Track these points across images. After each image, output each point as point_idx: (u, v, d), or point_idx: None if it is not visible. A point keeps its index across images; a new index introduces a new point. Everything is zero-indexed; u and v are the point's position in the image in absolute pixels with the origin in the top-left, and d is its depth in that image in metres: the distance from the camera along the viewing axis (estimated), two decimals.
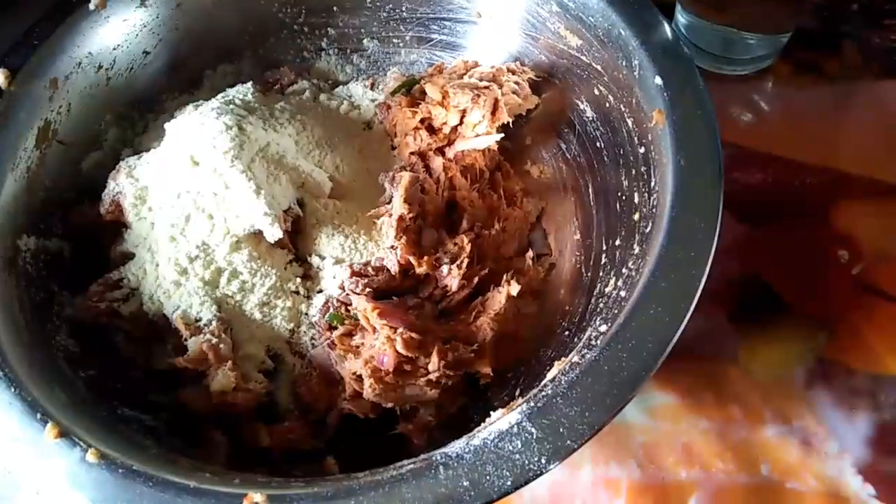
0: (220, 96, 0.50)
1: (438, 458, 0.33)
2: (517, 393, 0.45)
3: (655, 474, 0.48)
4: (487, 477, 0.32)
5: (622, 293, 0.40)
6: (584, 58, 0.51)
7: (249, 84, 0.53)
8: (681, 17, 0.63)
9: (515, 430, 0.33)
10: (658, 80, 0.45)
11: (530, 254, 0.52)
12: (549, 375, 0.37)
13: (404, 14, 0.59)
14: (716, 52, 0.63)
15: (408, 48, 0.61)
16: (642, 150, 0.45)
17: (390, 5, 0.59)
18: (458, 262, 0.49)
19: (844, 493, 0.47)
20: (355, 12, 0.60)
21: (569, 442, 0.33)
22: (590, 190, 0.52)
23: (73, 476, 0.34)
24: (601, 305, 0.42)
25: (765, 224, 0.57)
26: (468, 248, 0.49)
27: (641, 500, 0.47)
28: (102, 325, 0.45)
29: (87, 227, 0.50)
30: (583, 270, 0.50)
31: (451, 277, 0.48)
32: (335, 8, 0.60)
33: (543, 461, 0.33)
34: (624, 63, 0.47)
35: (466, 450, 0.33)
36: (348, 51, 0.61)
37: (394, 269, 0.48)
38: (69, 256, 0.49)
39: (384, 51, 0.61)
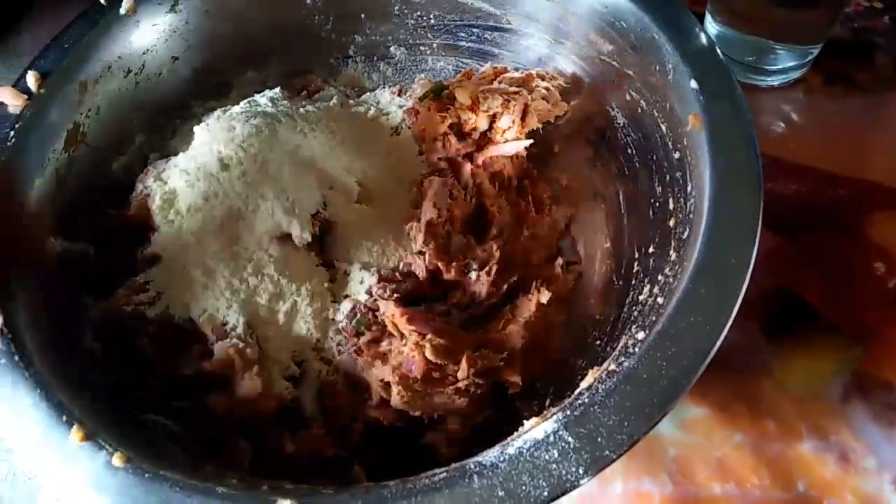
0: (248, 100, 0.50)
1: (472, 466, 0.32)
2: (547, 403, 0.44)
3: (688, 489, 0.47)
4: (523, 487, 0.31)
5: (659, 300, 0.39)
6: (615, 63, 0.50)
7: (278, 89, 0.52)
8: (711, 28, 0.62)
9: (552, 439, 0.32)
10: (694, 84, 0.44)
11: (559, 261, 0.51)
12: (584, 384, 0.36)
13: (432, 21, 0.59)
14: (746, 62, 0.62)
15: (435, 55, 0.60)
16: (677, 154, 0.44)
17: (418, 13, 0.59)
18: (486, 269, 0.48)
19: None
20: (383, 20, 0.60)
21: (607, 452, 0.32)
22: (620, 197, 0.51)
23: (97, 480, 0.33)
24: (636, 313, 0.41)
25: (798, 236, 0.56)
26: (497, 254, 0.48)
27: None
28: (127, 328, 0.44)
29: (114, 231, 0.49)
30: (614, 278, 0.49)
31: (480, 284, 0.48)
32: (363, 15, 0.60)
33: (581, 471, 0.31)
34: (657, 67, 0.47)
35: (501, 458, 0.32)
36: (375, 58, 0.61)
37: (422, 274, 0.47)
38: (95, 260, 0.49)
39: (411, 58, 0.61)
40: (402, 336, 0.45)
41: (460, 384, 0.43)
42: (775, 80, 0.63)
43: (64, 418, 0.35)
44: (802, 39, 0.60)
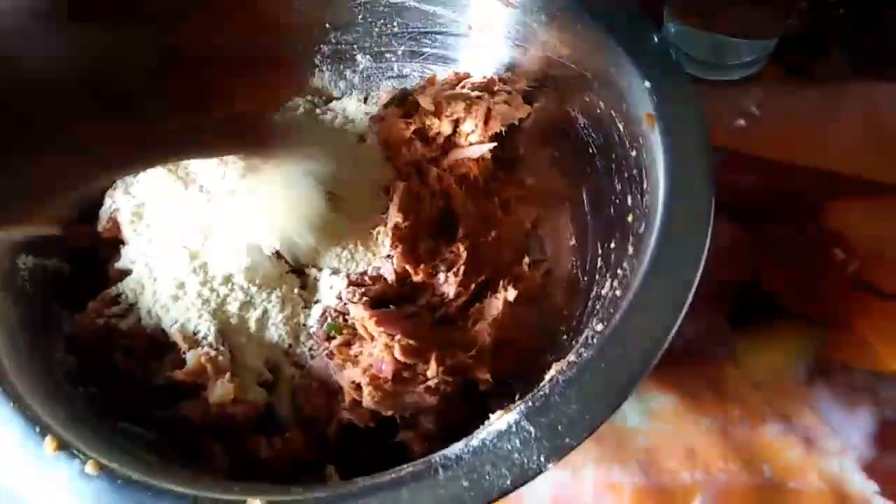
0: None
1: (438, 459, 0.33)
2: (517, 398, 0.45)
3: (658, 477, 0.48)
4: (487, 476, 0.32)
5: (617, 293, 0.40)
6: (574, 66, 0.52)
7: None
8: (669, 26, 0.64)
9: (514, 429, 0.33)
10: (647, 84, 0.45)
11: (527, 260, 0.52)
12: (548, 376, 0.37)
13: (396, 29, 0.60)
14: (705, 59, 0.64)
15: (400, 62, 0.61)
16: (634, 153, 0.46)
17: (382, 21, 0.60)
18: (454, 270, 0.49)
19: (847, 490, 0.47)
20: (348, 28, 0.61)
21: (567, 440, 0.33)
22: (584, 195, 0.52)
23: (72, 489, 0.34)
24: (598, 307, 0.43)
25: (759, 226, 0.58)
26: (464, 255, 0.49)
27: (645, 503, 0.47)
28: (101, 340, 0.45)
29: (86, 246, 0.50)
30: (579, 275, 0.50)
31: (448, 285, 0.49)
32: (328, 24, 0.60)
33: (542, 459, 0.32)
34: (613, 69, 0.48)
35: (465, 451, 0.33)
36: (342, 67, 0.62)
37: (391, 277, 0.48)
38: (68, 274, 0.49)
39: (377, 66, 0.62)
40: (372, 338, 0.45)
41: (430, 383, 0.44)
42: (734, 75, 0.65)
43: (37, 430, 0.36)
44: (759, 33, 0.62)
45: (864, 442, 0.49)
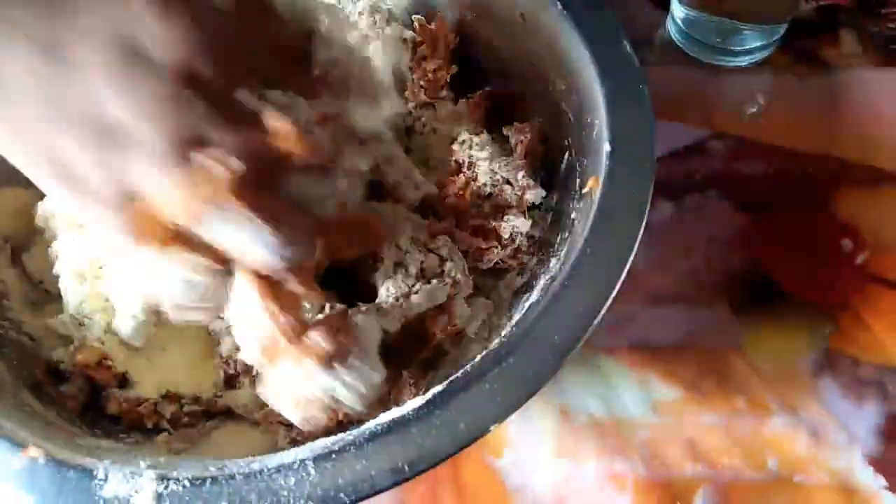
0: None
1: (213, 469, 0.33)
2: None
3: (660, 470, 0.46)
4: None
5: (504, 340, 0.37)
6: (563, 105, 0.48)
7: None
8: (677, 12, 0.62)
9: (296, 466, 0.32)
10: (607, 147, 0.41)
11: None
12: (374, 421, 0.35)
13: None
14: (714, 44, 0.61)
15: None
16: (573, 215, 0.43)
17: None
18: None
19: (854, 484, 0.45)
20: None
21: (342, 495, 0.31)
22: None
23: None
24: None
25: (767, 214, 0.55)
26: None
27: (647, 496, 0.46)
28: None
29: None
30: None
31: None
32: None
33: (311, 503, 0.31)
34: (589, 120, 0.44)
35: (244, 470, 0.32)
36: None
37: None
38: None
39: None
40: None
41: None
42: (743, 61, 0.62)
43: None
44: (768, 19, 0.59)
45: (872, 436, 0.46)
